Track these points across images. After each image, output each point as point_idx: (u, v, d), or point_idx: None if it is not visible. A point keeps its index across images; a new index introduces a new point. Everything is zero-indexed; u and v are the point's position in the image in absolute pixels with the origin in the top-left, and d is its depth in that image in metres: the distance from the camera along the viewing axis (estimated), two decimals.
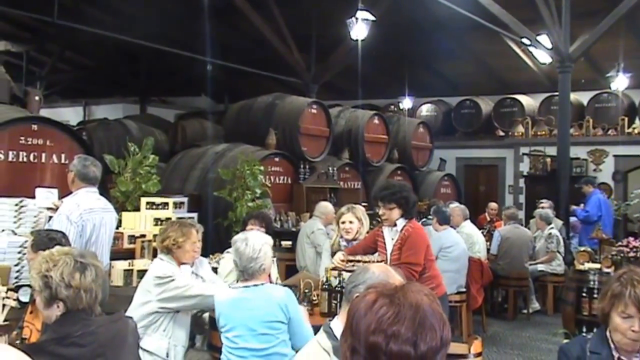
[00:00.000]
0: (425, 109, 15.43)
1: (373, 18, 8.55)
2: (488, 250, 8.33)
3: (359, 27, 8.51)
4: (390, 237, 4.51)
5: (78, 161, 4.68)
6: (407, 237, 4.36)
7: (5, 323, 3.04)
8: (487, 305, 8.13)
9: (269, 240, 3.67)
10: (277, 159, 9.19)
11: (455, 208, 8.05)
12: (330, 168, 9.79)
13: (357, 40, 8.87)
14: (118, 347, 2.40)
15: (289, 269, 7.19)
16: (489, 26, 9.70)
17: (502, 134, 14.29)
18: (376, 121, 11.44)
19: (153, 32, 11.44)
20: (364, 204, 8.46)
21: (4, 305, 3.07)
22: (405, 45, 12.68)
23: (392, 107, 15.26)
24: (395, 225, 4.44)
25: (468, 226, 8.06)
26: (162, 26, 12.36)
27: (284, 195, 9.22)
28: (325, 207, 7.16)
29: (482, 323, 7.63)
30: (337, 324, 2.44)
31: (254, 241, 3.53)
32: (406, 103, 14.64)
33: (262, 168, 7.88)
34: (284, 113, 9.82)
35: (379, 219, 8.81)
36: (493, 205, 10.65)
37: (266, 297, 3.46)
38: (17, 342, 2.89)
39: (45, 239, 3.67)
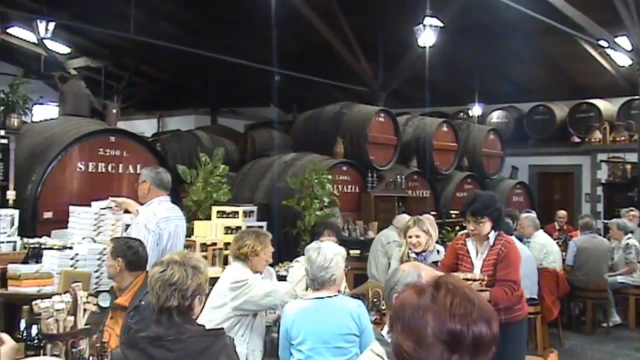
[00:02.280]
0: (496, 116, 15.09)
1: (441, 24, 8.44)
2: (564, 260, 8.04)
3: (427, 34, 8.42)
4: (477, 250, 4.26)
5: (149, 171, 4.84)
6: (507, 253, 4.12)
7: (86, 327, 3.16)
8: (564, 318, 7.84)
9: (342, 251, 3.66)
10: (344, 168, 9.20)
11: (525, 218, 7.80)
12: (398, 177, 9.71)
13: (424, 47, 8.78)
14: None
15: (357, 278, 7.16)
16: (563, 29, 9.40)
17: (577, 140, 13.77)
18: (445, 129, 11.29)
19: (223, 45, 11.72)
20: (432, 213, 8.36)
21: (85, 310, 3.20)
22: (475, 50, 12.44)
23: (462, 114, 15.00)
24: (487, 238, 4.20)
25: (541, 236, 7.79)
26: (231, 38, 12.64)
27: (351, 204, 9.21)
28: (404, 220, 7.03)
29: (558, 336, 7.36)
30: (388, 331, 2.42)
31: (327, 251, 3.52)
32: (476, 110, 14.36)
33: (330, 177, 7.91)
34: (351, 122, 9.83)
35: (449, 228, 8.71)
36: (562, 213, 10.27)
37: (340, 308, 3.43)
38: (97, 345, 3.01)
39: (124, 247, 3.81)
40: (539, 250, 7.42)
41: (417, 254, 4.97)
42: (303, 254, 4.90)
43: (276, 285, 4.07)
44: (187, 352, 2.39)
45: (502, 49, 12.21)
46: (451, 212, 10.31)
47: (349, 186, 9.27)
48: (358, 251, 7.82)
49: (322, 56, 12.68)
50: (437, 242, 5.37)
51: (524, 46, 12.31)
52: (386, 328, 2.50)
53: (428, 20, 8.28)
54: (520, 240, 7.10)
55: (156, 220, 4.58)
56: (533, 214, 8.15)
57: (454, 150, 11.39)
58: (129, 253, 3.78)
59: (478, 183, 11.65)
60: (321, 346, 3.36)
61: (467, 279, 3.87)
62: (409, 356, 1.34)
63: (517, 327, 4.25)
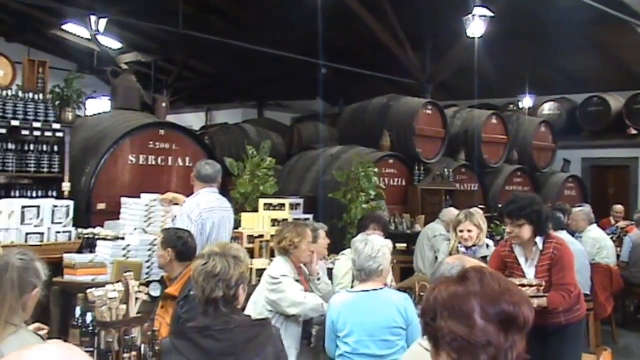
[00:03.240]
0: (548, 108, 14.71)
1: (491, 14, 8.28)
2: (618, 256, 7.80)
3: (476, 24, 8.27)
4: (526, 256, 4.07)
5: (198, 163, 4.99)
6: (560, 257, 3.95)
7: (138, 315, 3.23)
8: (618, 315, 7.62)
9: (388, 244, 3.67)
10: (391, 161, 9.14)
11: (578, 212, 7.60)
12: (445, 170, 9.59)
13: (474, 38, 8.63)
14: (252, 352, 2.46)
15: (403, 272, 7.12)
16: (619, 16, 9.08)
17: (634, 132, 13.32)
18: (494, 121, 11.10)
19: (270, 38, 11.78)
20: (481, 206, 8.22)
21: (136, 299, 3.28)
22: (526, 40, 12.15)
23: (512, 106, 14.70)
24: (534, 244, 4.01)
25: (595, 230, 7.57)
26: (278, 32, 12.69)
27: (398, 198, 9.14)
28: (452, 213, 6.95)
29: (612, 334, 7.15)
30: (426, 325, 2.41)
31: (374, 242, 3.54)
32: (526, 102, 14.05)
33: (376, 170, 7.87)
34: (398, 114, 9.75)
35: (498, 222, 8.55)
36: (618, 207, 9.93)
37: (386, 301, 3.42)
38: (149, 333, 3.07)
39: (174, 238, 3.89)
40: (591, 245, 7.22)
41: (466, 248, 4.90)
42: (349, 247, 4.91)
43: (307, 297, 4.03)
44: (234, 342, 2.42)
45: (554, 38, 11.89)
46: (500, 206, 10.12)
47: (396, 179, 9.21)
48: (405, 245, 7.77)
49: (369, 48, 12.60)
50: (485, 236, 5.28)
51: (577, 35, 11.95)
52: None
53: (478, 10, 8.14)
54: (573, 235, 6.92)
55: (199, 210, 4.67)
56: (587, 208, 7.93)
57: (503, 143, 11.18)
58: (179, 244, 3.85)
59: (528, 177, 11.43)
60: (367, 339, 3.36)
61: (524, 285, 3.73)
62: (465, 340, 1.36)
63: (577, 327, 4.15)
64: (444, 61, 11.61)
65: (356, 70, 11.98)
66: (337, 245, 6.56)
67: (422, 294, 4.49)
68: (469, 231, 4.92)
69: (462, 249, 4.94)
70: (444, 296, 1.41)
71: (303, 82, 14.90)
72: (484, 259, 4.62)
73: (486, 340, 1.35)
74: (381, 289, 3.50)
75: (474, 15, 8.15)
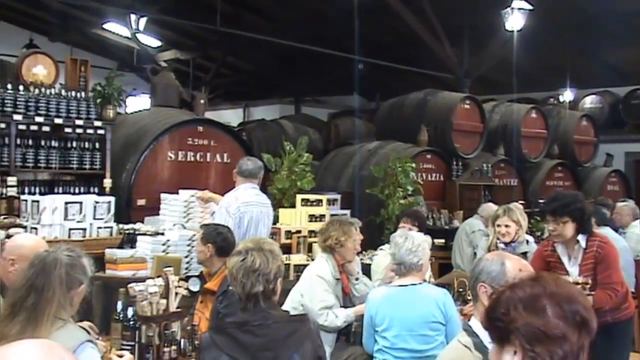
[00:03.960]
0: (589, 101, 14.38)
1: (530, 7, 8.14)
2: None
3: (515, 17, 8.15)
4: (569, 255, 4.01)
5: (241, 159, 5.06)
6: (605, 255, 3.89)
7: (178, 310, 3.28)
8: None
9: (428, 239, 3.67)
10: (429, 156, 9.07)
11: (624, 207, 7.42)
12: (484, 165, 9.47)
13: (512, 31, 8.49)
14: (290, 348, 2.47)
15: (441, 267, 7.07)
16: None
17: None
18: (534, 115, 10.91)
19: (307, 34, 11.80)
20: (520, 202, 8.09)
21: (176, 294, 3.32)
22: (566, 33, 11.88)
23: (552, 100, 14.41)
24: (576, 242, 3.95)
25: (639, 226, 7.38)
26: (315, 28, 12.70)
27: (436, 193, 9.07)
28: (490, 209, 6.86)
29: None
30: (476, 322, 2.39)
31: (414, 237, 3.55)
32: (567, 95, 13.75)
33: (414, 165, 7.83)
34: (435, 109, 9.66)
35: (538, 218, 8.40)
36: None
37: (425, 296, 3.42)
38: (188, 327, 3.12)
39: (214, 233, 3.94)
40: (636, 241, 7.04)
41: (505, 244, 4.83)
42: (387, 242, 4.89)
43: (328, 319, 3.94)
44: (272, 337, 2.44)
45: (596, 30, 11.60)
46: (540, 201, 9.95)
47: (434, 174, 9.14)
48: (443, 240, 7.71)
49: (406, 43, 12.50)
50: (525, 232, 5.19)
51: (619, 26, 11.64)
52: (473, 319, 2.45)
53: (516, 3, 8.01)
54: (616, 230, 6.76)
55: (237, 204, 4.75)
56: (632, 203, 7.74)
57: (543, 138, 10.99)
58: (219, 239, 3.89)
59: (569, 171, 11.22)
60: (406, 333, 3.35)
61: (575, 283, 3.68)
62: (541, 331, 1.38)
63: (624, 326, 4.06)
64: (482, 55, 11.45)
65: (393, 65, 11.90)
66: (375, 240, 6.55)
67: (460, 289, 4.45)
68: (507, 226, 4.85)
69: (501, 245, 4.86)
70: (518, 293, 1.44)
71: (340, 77, 14.86)
72: (523, 254, 4.55)
73: (561, 334, 1.36)
74: (420, 283, 3.49)
75: (512, 8, 8.03)
